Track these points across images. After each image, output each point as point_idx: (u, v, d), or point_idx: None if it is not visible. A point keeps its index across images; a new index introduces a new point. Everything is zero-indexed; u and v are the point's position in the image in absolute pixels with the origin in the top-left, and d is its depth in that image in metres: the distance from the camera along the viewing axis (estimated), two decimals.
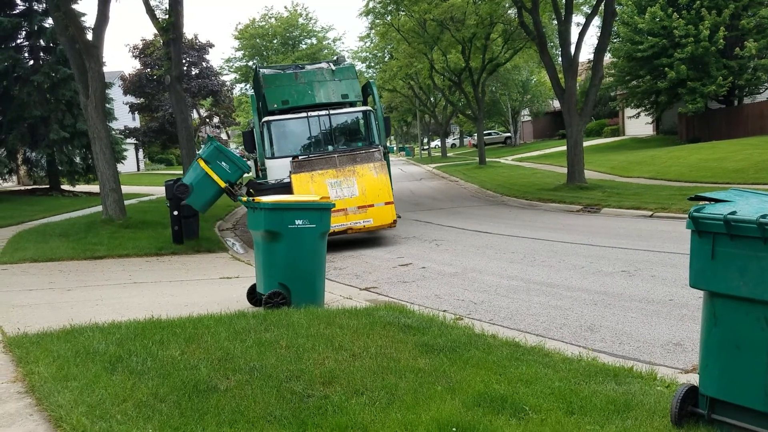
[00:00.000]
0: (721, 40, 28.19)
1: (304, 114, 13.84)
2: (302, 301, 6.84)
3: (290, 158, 12.89)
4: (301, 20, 56.61)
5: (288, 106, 14.15)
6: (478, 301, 7.67)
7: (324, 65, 16.02)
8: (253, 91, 18.98)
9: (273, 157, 13.51)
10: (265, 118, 13.86)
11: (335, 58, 17.09)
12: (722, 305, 3.51)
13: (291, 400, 4.09)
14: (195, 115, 47.61)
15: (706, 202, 3.66)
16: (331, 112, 13.98)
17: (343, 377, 4.46)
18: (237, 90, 55.69)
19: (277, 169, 13.19)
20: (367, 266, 10.59)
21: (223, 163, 11.92)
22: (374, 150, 12.96)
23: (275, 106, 14.18)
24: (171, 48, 16.72)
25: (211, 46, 46.39)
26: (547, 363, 4.80)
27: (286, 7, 70.48)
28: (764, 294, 3.29)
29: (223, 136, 63.42)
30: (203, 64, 45.62)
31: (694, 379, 3.81)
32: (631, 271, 8.65)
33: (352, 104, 14.79)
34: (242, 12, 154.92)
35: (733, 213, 3.40)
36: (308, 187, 11.91)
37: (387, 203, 12.33)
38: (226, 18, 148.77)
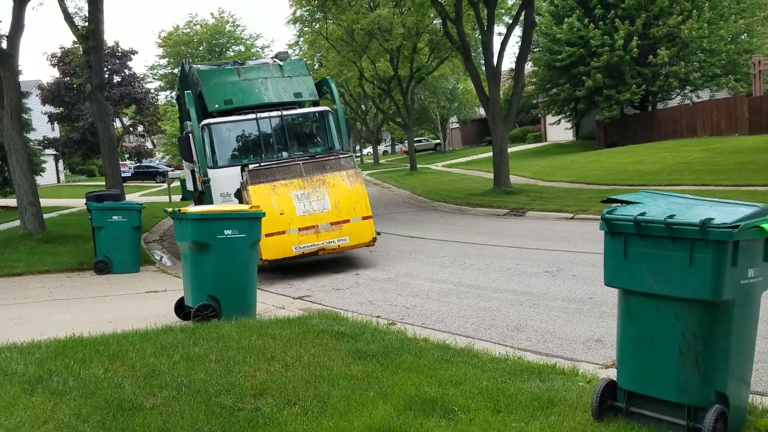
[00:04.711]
0: (635, 49, 29.62)
1: (252, 115, 11.90)
2: (233, 312, 6.73)
3: (239, 167, 11.15)
4: (228, 27, 55.74)
5: (232, 106, 12.12)
6: (411, 305, 7.77)
7: (269, 60, 13.99)
8: (179, 91, 17.36)
9: (217, 166, 11.54)
10: (206, 121, 11.76)
11: (276, 53, 14.69)
12: (636, 302, 3.70)
13: (220, 415, 4.04)
14: (118, 123, 46.10)
15: (618, 204, 3.86)
16: (284, 112, 12.14)
17: (275, 388, 4.44)
18: (162, 98, 54.29)
19: (224, 180, 11.40)
20: (300, 274, 10.53)
21: (114, 216, 11.33)
22: (346, 156, 11.27)
23: (216, 106, 12.07)
24: (91, 56, 16.19)
25: (134, 53, 45.01)
26: (476, 363, 4.92)
27: (212, 14, 69.25)
28: (673, 290, 3.49)
29: (149, 145, 61.66)
30: (126, 71, 44.25)
31: (613, 373, 4.00)
32: (554, 271, 8.98)
33: (317, 103, 13.14)
34: (166, 19, 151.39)
35: (643, 214, 3.60)
36: (270, 200, 10.08)
37: (365, 218, 10.66)
38: (150, 25, 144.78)
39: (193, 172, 13.73)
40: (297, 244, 10.11)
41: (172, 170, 50.12)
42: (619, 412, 3.80)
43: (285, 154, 11.93)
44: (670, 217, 3.48)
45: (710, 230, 3.32)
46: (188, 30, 53.55)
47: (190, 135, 11.99)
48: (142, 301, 8.81)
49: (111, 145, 17.14)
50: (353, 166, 11.05)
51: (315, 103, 13.16)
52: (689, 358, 3.50)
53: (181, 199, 20.20)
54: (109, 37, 71.49)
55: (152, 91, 48.38)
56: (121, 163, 28.54)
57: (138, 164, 54.58)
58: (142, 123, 46.95)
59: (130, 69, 44.66)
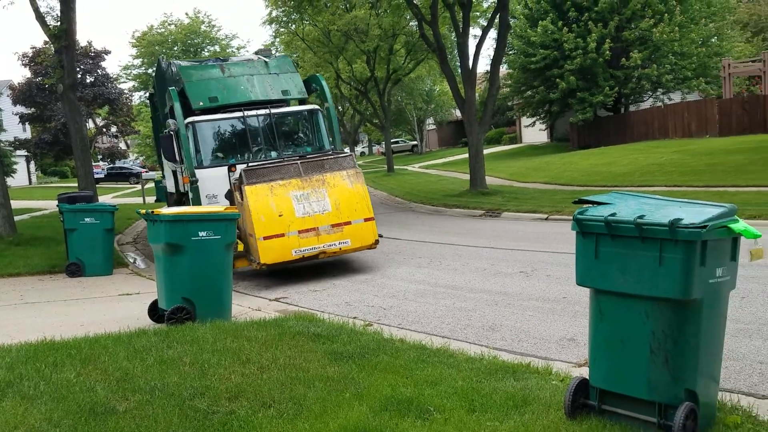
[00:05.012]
0: (608, 52, 30.01)
1: (239, 113, 11.51)
2: (208, 315, 6.69)
3: (226, 167, 10.85)
4: (203, 27, 55.28)
5: (217, 103, 11.63)
6: (387, 306, 7.79)
7: (254, 57, 13.42)
8: (153, 89, 16.81)
9: (201, 166, 11.07)
10: (190, 119, 11.27)
11: (257, 50, 14.22)
12: (607, 301, 3.75)
13: (194, 418, 4.01)
14: (91, 124, 45.50)
15: (590, 205, 3.91)
16: (273, 110, 11.67)
17: (250, 391, 4.42)
18: (136, 98, 53.69)
19: (209, 180, 10.96)
20: (277, 276, 10.48)
21: (86, 218, 11.19)
22: (345, 155, 10.78)
23: (201, 104, 11.58)
24: (63, 55, 15.95)
25: (107, 53, 44.50)
26: (452, 363, 4.95)
27: (187, 14, 68.56)
28: (644, 289, 3.55)
29: (122, 145, 60.92)
30: (99, 71, 43.70)
31: (586, 372, 4.05)
32: (529, 271, 9.07)
33: (304, 101, 12.71)
34: (140, 19, 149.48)
35: (613, 215, 3.65)
36: (267, 201, 9.56)
37: (366, 219, 10.12)
38: (123, 25, 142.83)
39: (174, 173, 12.83)
40: (297, 248, 9.55)
41: (146, 171, 49.65)
42: (592, 410, 3.84)
43: (274, 154, 11.51)
44: (640, 217, 3.54)
45: (679, 230, 3.38)
46: (162, 30, 53.05)
47: (173, 134, 11.44)
48: (115, 304, 8.71)
49: (84, 146, 16.91)
50: (353, 165, 10.47)
51: (304, 101, 12.79)
52: (659, 357, 3.56)
53: (155, 201, 19.98)
54: (82, 37, 70.56)
55: (126, 91, 47.88)
56: (94, 164, 28.19)
57: (111, 165, 53.88)
58: (115, 124, 46.45)
59: (103, 69, 44.17)
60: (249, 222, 9.40)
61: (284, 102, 12.25)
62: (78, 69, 33.49)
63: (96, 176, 28.19)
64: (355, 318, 7.07)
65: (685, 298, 3.44)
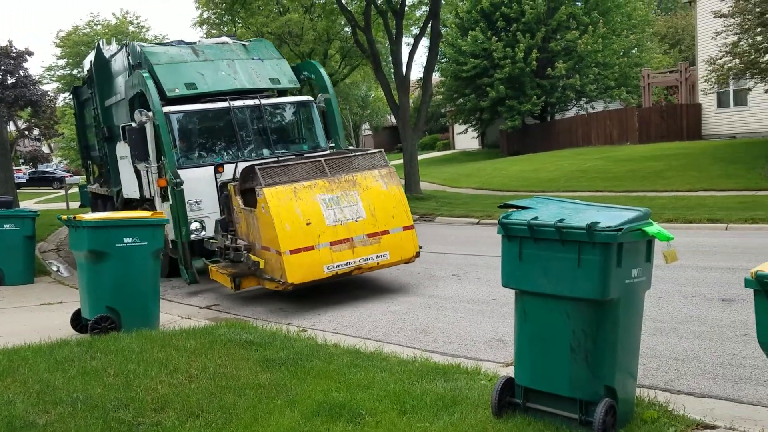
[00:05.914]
0: (535, 62, 30.91)
1: (224, 104, 10.02)
2: (134, 324, 6.51)
3: (212, 167, 9.53)
4: (131, 28, 53.71)
5: (196, 91, 10.05)
6: (322, 311, 7.79)
7: (228, 39, 11.72)
8: (86, 80, 14.51)
9: (180, 165, 9.57)
10: (168, 108, 9.68)
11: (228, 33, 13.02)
12: (530, 302, 3.88)
13: (119, 430, 3.91)
14: (12, 127, 43.43)
15: (515, 209, 4.04)
16: (264, 101, 10.30)
17: (178, 401, 4.33)
18: (60, 100, 51.57)
19: (194, 183, 9.44)
20: (208, 283, 10.22)
21: (5, 225, 10.62)
22: (375, 151, 9.08)
23: (177, 91, 9.94)
24: None
25: (29, 54, 42.50)
26: (384, 367, 5.00)
27: (114, 14, 66.46)
28: (564, 290, 3.69)
29: (45, 149, 58.38)
30: (21, 72, 41.73)
31: (512, 371, 4.16)
32: (461, 274, 9.26)
33: (285, 92, 11.32)
34: (65, 18, 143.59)
35: (536, 218, 3.79)
36: (292, 207, 7.75)
37: (406, 228, 8.43)
38: (47, 25, 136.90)
39: (138, 173, 10.69)
40: (329, 263, 7.77)
41: (70, 176, 47.76)
42: (518, 408, 3.96)
43: (266, 152, 10.20)
44: (560, 221, 3.68)
45: (596, 233, 3.54)
46: (89, 30, 51.27)
47: (146, 126, 9.75)
48: (36, 314, 8.34)
49: (4, 149, 16.17)
50: (386, 163, 8.74)
51: (290, 92, 11.49)
52: (580, 355, 3.71)
53: (80, 206, 19.24)
54: (2, 36, 67.26)
55: (50, 93, 45.89)
56: (15, 168, 26.91)
57: (33, 170, 51.59)
58: (38, 126, 44.48)
59: (25, 70, 42.11)
60: (267, 232, 7.77)
61: (273, 92, 10.97)
62: None
63: (17, 181, 26.95)
64: (289, 324, 7.03)
65: (603, 298, 3.59)
